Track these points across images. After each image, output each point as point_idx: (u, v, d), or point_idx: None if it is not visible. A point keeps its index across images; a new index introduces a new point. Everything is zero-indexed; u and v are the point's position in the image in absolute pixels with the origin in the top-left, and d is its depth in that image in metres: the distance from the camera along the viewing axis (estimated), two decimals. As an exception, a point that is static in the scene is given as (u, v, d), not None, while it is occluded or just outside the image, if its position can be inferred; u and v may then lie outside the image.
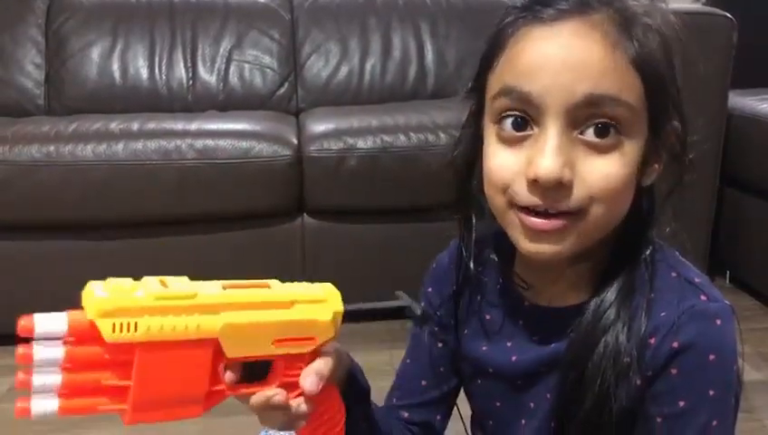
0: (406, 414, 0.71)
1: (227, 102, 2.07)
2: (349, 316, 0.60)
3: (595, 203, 0.53)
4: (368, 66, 2.15)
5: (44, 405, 0.49)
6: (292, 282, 0.59)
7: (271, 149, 1.64)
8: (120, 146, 1.60)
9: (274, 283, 0.58)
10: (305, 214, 1.70)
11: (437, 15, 2.20)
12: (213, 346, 0.53)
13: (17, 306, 1.73)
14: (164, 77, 2.08)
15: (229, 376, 0.54)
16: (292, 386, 0.57)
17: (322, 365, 0.56)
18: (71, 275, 1.64)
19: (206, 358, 0.53)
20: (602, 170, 0.52)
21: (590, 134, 0.52)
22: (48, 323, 0.49)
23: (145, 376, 0.51)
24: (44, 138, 1.61)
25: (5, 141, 1.59)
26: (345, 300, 0.60)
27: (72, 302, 0.53)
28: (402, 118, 1.76)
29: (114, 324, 0.50)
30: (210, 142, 1.63)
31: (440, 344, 0.71)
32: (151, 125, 1.68)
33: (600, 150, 0.52)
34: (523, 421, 0.63)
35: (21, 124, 1.71)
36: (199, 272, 1.90)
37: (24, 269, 1.63)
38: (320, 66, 2.15)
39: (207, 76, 2.11)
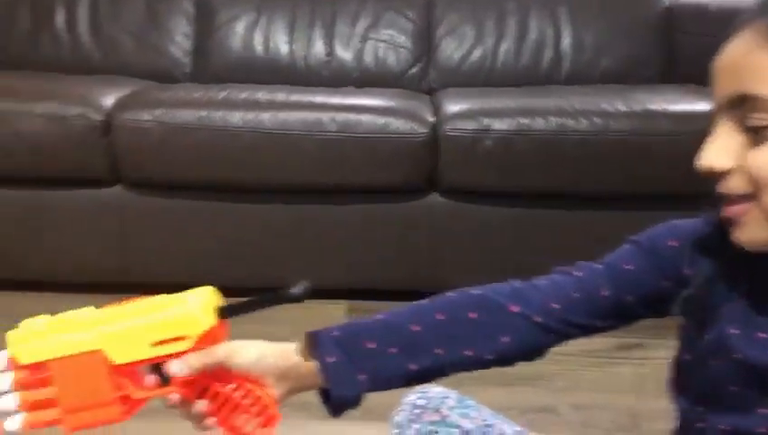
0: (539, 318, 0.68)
1: (361, 80, 2.12)
2: (230, 312, 0.65)
3: (763, 190, 0.54)
4: (502, 49, 2.14)
5: (12, 422, 0.64)
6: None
7: (407, 126, 1.67)
8: (267, 115, 1.68)
9: (142, 298, 0.66)
10: (436, 192, 1.73)
11: (576, 1, 2.16)
12: (100, 356, 0.63)
13: (173, 256, 1.81)
14: (303, 53, 2.15)
15: (150, 380, 0.64)
16: (190, 385, 0.64)
17: (194, 355, 0.62)
18: (214, 233, 1.79)
19: (100, 366, 0.63)
20: (762, 158, 0.54)
21: (748, 126, 0.55)
22: None
23: (62, 388, 0.64)
24: (197, 103, 1.71)
25: (163, 105, 1.70)
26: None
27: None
28: (540, 101, 1.75)
29: (23, 350, 0.63)
30: (351, 116, 1.68)
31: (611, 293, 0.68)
32: (295, 97, 1.76)
33: (758, 142, 0.54)
34: (764, 410, 0.61)
35: (175, 90, 1.83)
36: (323, 243, 1.91)
37: (176, 224, 1.74)
38: (453, 48, 2.16)
39: (344, 53, 2.16)
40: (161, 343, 0.63)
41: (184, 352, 0.63)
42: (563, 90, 1.92)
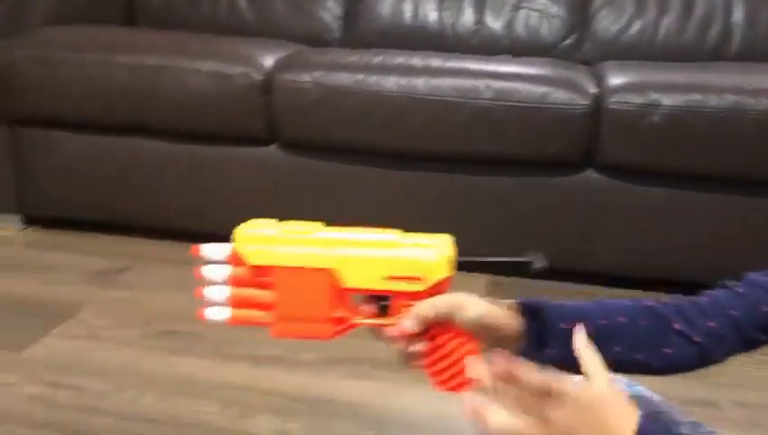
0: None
1: (511, 49, 2.06)
2: (464, 266, 0.65)
3: None
4: (664, 22, 2.02)
5: (217, 313, 0.66)
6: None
7: (567, 97, 1.61)
8: (420, 81, 1.66)
9: (385, 230, 0.66)
10: (592, 168, 1.66)
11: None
12: (330, 276, 0.65)
13: (323, 217, 1.84)
14: (451, 20, 2.12)
15: (366, 309, 0.65)
16: None
17: (424, 306, 0.62)
18: (360, 196, 1.81)
19: (326, 285, 0.65)
20: None
21: None
22: (213, 249, 0.66)
23: (281, 295, 0.65)
24: (354, 66, 1.72)
25: (321, 66, 1.72)
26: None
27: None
28: (712, 77, 1.63)
29: (253, 250, 0.65)
30: (507, 84, 1.64)
31: None
32: (450, 63, 1.73)
33: None
34: None
35: (332, 53, 1.85)
36: (469, 213, 1.88)
37: (327, 186, 1.77)
38: (611, 19, 2.06)
39: (494, 22, 2.11)
40: (395, 278, 0.64)
41: (412, 293, 0.64)
42: (735, 66, 1.79)
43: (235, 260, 0.66)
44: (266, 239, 0.65)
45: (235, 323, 0.68)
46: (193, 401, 1.25)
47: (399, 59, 1.75)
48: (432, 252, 0.64)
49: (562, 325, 0.68)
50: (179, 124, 1.79)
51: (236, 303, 0.67)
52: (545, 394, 0.56)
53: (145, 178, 1.87)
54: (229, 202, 1.84)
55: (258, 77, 1.73)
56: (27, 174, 1.94)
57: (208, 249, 0.66)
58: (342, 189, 1.77)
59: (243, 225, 0.67)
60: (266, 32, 2.13)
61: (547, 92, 1.62)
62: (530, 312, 0.68)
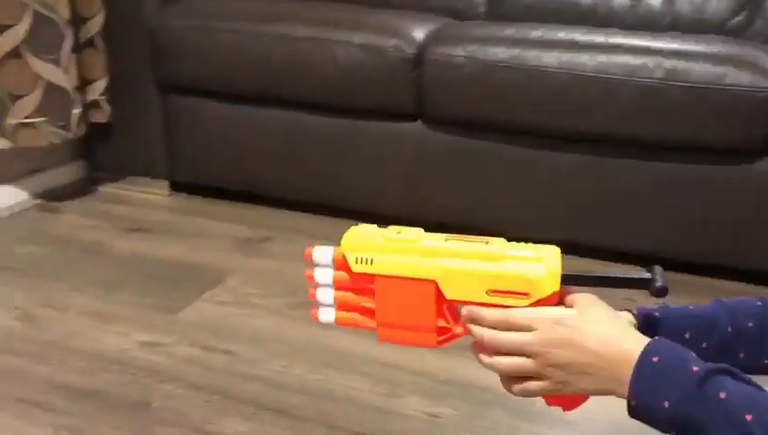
0: None
1: (672, 28, 1.91)
2: (575, 280, 0.64)
3: None
4: None
5: (327, 314, 0.70)
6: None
7: (748, 79, 1.47)
8: (585, 57, 1.56)
9: (493, 239, 0.66)
10: (770, 158, 1.51)
11: None
12: (433, 286, 0.65)
13: (463, 199, 1.75)
14: (606, -5, 1.99)
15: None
16: None
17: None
18: (509, 179, 1.74)
19: (429, 295, 0.65)
20: None
21: None
22: (321, 253, 0.70)
23: (383, 302, 0.67)
24: (511, 40, 1.64)
25: (476, 40, 1.66)
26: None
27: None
28: None
29: (356, 258, 0.67)
30: (680, 63, 1.51)
31: None
32: (615, 39, 1.62)
33: None
34: None
35: (486, 26, 1.77)
36: (624, 201, 1.74)
37: (471, 166, 1.71)
38: (790, -5, 1.87)
39: (654, -3, 1.96)
40: (499, 292, 0.63)
41: (516, 308, 0.63)
42: None
43: (341, 265, 0.68)
44: (369, 247, 0.67)
45: (340, 324, 0.70)
46: (343, 375, 1.24)
47: (560, 33, 1.65)
48: (539, 266, 0.62)
49: (686, 336, 0.67)
50: (326, 96, 1.78)
51: (341, 305, 0.69)
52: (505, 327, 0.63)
53: (289, 151, 1.87)
54: (370, 177, 1.81)
55: (410, 50, 1.68)
56: (177, 141, 2.00)
57: (317, 252, 0.70)
58: (486, 170, 1.70)
59: (348, 230, 0.69)
60: (410, 5, 2.08)
61: (724, 73, 1.48)
62: (650, 324, 0.67)
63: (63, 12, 1.77)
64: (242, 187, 1.98)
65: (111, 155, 2.10)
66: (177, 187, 2.11)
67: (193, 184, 2.07)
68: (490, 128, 1.67)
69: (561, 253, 0.64)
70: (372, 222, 1.84)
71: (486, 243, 0.65)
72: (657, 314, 0.68)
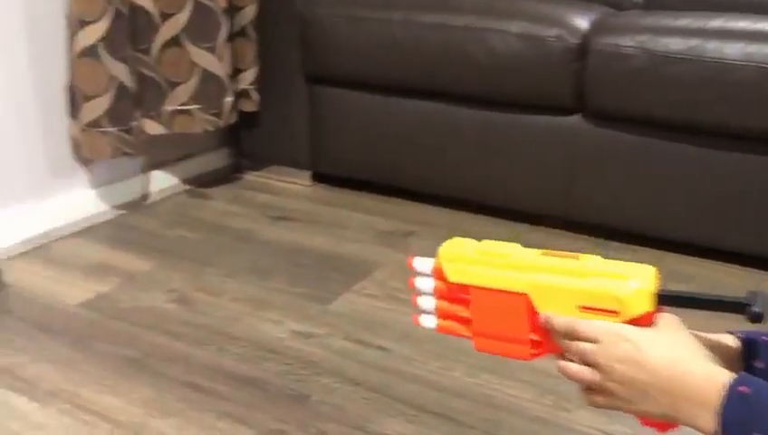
0: None
1: None
2: (669, 301, 0.62)
3: None
4: None
5: (428, 321, 0.75)
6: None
7: None
8: (775, 48, 1.41)
9: (584, 256, 0.66)
10: None
11: None
12: (525, 300, 0.66)
13: (621, 200, 1.61)
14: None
15: None
16: None
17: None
18: (671, 181, 1.60)
19: (521, 308, 0.66)
20: None
21: None
22: (421, 263, 0.73)
23: (478, 313, 0.69)
24: (687, 31, 1.51)
25: (647, 30, 1.54)
26: None
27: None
28: None
29: (453, 268, 0.70)
30: None
31: None
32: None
33: None
34: None
35: (657, 16, 1.64)
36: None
37: (633, 165, 1.59)
38: None
39: None
40: (589, 308, 0.63)
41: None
42: None
43: (439, 275, 0.71)
44: (465, 259, 0.69)
45: (441, 332, 0.74)
46: (503, 382, 1.17)
47: (743, 23, 1.50)
48: (629, 284, 0.62)
49: (758, 364, 0.64)
50: (479, 88, 1.71)
51: (441, 314, 0.73)
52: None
53: (436, 144, 1.82)
54: (522, 174, 1.73)
55: (573, 40, 1.58)
56: (321, 132, 1.99)
57: (418, 262, 0.73)
58: (652, 169, 1.57)
59: (446, 242, 0.72)
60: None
61: None
62: (753, 350, 0.65)
63: (221, 0, 1.80)
64: (384, 180, 1.95)
65: (256, 144, 2.13)
66: (317, 177, 2.11)
67: (334, 175, 2.07)
68: (658, 124, 1.55)
69: (657, 277, 0.63)
70: (524, 222, 1.77)
71: (579, 259, 0.66)
72: (764, 338, 0.65)
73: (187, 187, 2.07)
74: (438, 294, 0.72)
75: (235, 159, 2.24)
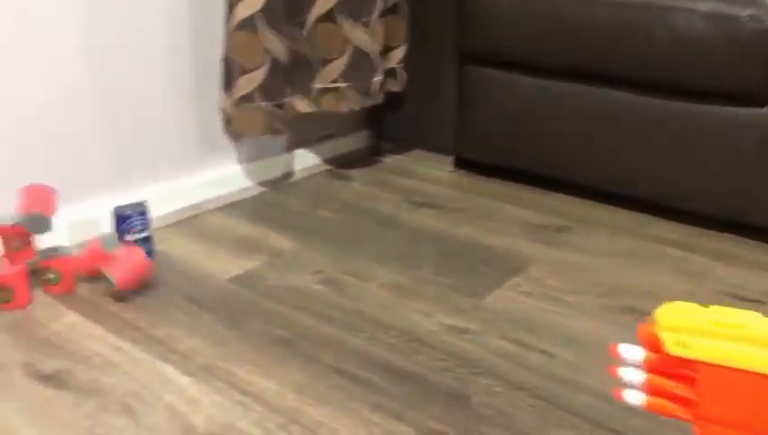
0: None
1: None
2: None
3: None
4: None
5: (634, 397, 0.68)
6: None
7: None
8: None
9: None
10: None
11: None
12: None
13: None
14: None
15: None
16: None
17: None
18: None
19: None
20: None
21: None
22: (630, 352, 0.67)
23: (707, 395, 0.60)
24: None
25: None
26: None
27: None
28: None
29: (675, 339, 0.62)
30: None
31: None
32: None
33: None
34: None
35: None
36: None
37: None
38: None
39: None
40: None
41: None
42: None
43: (653, 345, 0.63)
44: (692, 328, 0.60)
45: (650, 410, 0.65)
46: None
47: None
48: None
49: None
50: (655, 73, 1.55)
51: (652, 390, 0.64)
52: None
53: (597, 133, 1.68)
54: (697, 171, 1.56)
55: (771, 22, 1.41)
56: (469, 116, 1.90)
57: (625, 350, 0.66)
58: None
59: (664, 306, 0.64)
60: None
61: None
62: None
63: (377, -25, 1.74)
64: (534, 169, 1.83)
65: (398, 126, 2.07)
66: (460, 163, 2.03)
67: (477, 162, 1.97)
68: None
69: None
70: (693, 224, 1.60)
71: None
72: None
73: (328, 167, 2.04)
74: (650, 367, 0.64)
75: (376, 141, 2.19)
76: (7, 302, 1.26)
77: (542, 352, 1.16)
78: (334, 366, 1.12)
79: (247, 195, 1.83)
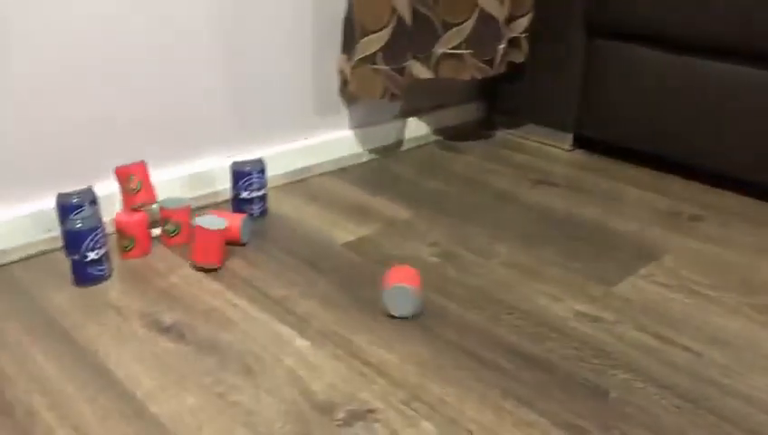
0: None
1: None
2: None
3: None
4: None
5: None
6: None
7: None
8: None
9: None
10: None
11: None
12: None
13: None
14: None
15: None
16: None
17: None
18: None
19: None
20: None
21: None
22: None
23: None
24: None
25: None
26: None
27: None
28: None
29: None
30: None
31: None
32: None
33: None
34: None
35: None
36: None
37: None
38: None
39: None
40: None
41: None
42: None
43: None
44: None
45: None
46: None
47: None
48: None
49: None
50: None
51: None
52: None
53: (734, 117, 1.54)
54: None
55: None
56: (594, 92, 1.78)
57: None
58: None
59: None
60: None
61: None
62: None
63: (510, -64, 1.64)
64: (663, 153, 1.70)
65: (515, 98, 1.97)
66: (578, 141, 1.91)
67: (598, 141, 1.86)
68: None
69: None
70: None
71: None
72: None
73: (438, 137, 1.96)
74: None
75: (488, 113, 2.10)
76: (127, 250, 1.26)
77: (686, 348, 1.06)
78: (458, 344, 1.05)
79: (358, 161, 1.78)
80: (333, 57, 1.66)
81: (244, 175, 1.38)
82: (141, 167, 1.27)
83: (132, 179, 1.26)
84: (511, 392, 0.95)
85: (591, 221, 1.48)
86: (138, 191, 1.27)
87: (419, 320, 1.11)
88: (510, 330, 1.09)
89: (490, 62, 1.71)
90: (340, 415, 0.90)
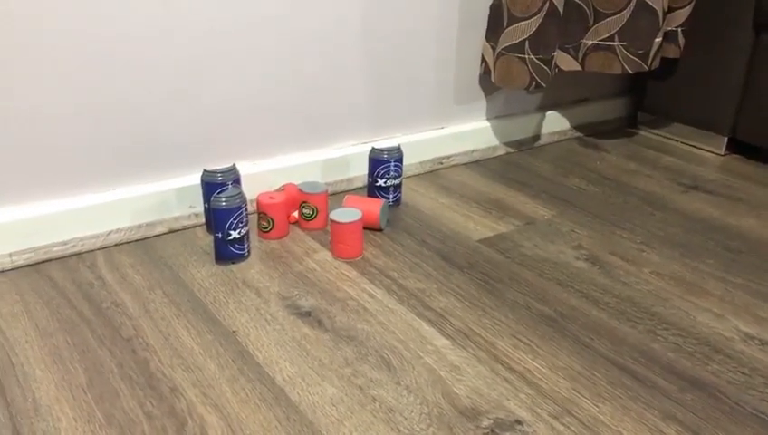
0: None
1: None
2: None
3: None
4: None
5: None
6: None
7: None
8: None
9: None
10: None
11: None
12: None
13: None
14: None
15: None
16: None
17: None
18: None
19: None
20: None
21: None
22: None
23: None
24: None
25: None
26: None
27: None
28: None
29: None
30: None
31: None
32: None
33: None
34: None
35: None
36: None
37: None
38: None
39: None
40: None
41: None
42: None
43: None
44: None
45: None
46: None
47: None
48: None
49: None
50: None
51: None
52: None
53: None
54: None
55: None
56: (756, 93, 1.63)
57: None
58: None
59: None
60: None
61: None
62: None
63: None
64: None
65: (664, 96, 1.84)
66: (733, 146, 1.76)
67: (755, 147, 1.70)
68: None
69: None
70: None
71: None
72: None
73: (578, 134, 1.86)
74: None
75: (633, 110, 1.98)
76: (266, 230, 1.25)
77: None
78: (611, 358, 0.98)
79: (493, 153, 1.71)
80: (476, 45, 1.59)
81: (381, 162, 1.35)
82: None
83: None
84: (672, 416, 0.87)
85: (752, 233, 1.35)
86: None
87: (567, 327, 1.04)
88: (667, 347, 1.00)
89: (644, 57, 1.60)
90: (486, 422, 0.85)
